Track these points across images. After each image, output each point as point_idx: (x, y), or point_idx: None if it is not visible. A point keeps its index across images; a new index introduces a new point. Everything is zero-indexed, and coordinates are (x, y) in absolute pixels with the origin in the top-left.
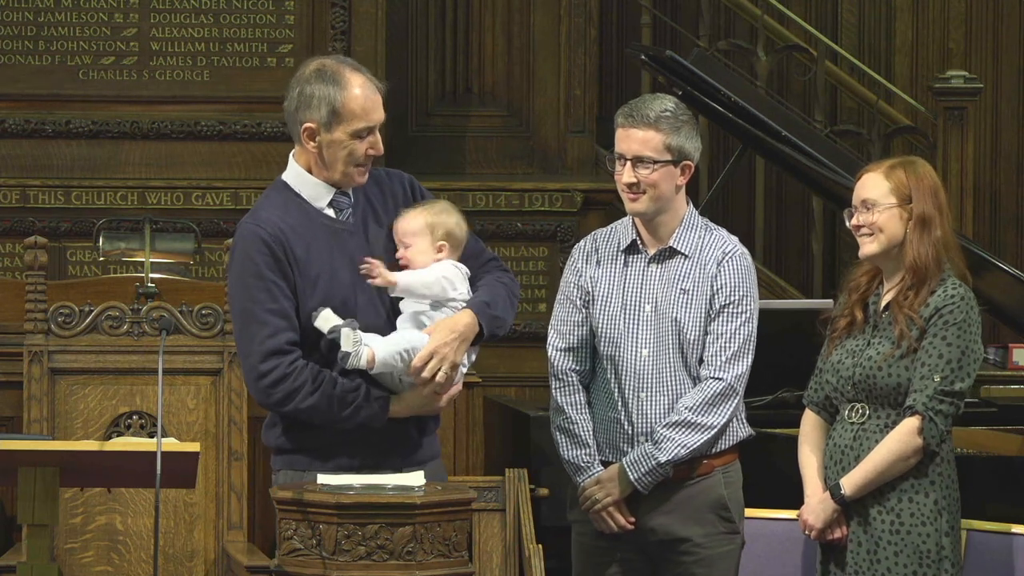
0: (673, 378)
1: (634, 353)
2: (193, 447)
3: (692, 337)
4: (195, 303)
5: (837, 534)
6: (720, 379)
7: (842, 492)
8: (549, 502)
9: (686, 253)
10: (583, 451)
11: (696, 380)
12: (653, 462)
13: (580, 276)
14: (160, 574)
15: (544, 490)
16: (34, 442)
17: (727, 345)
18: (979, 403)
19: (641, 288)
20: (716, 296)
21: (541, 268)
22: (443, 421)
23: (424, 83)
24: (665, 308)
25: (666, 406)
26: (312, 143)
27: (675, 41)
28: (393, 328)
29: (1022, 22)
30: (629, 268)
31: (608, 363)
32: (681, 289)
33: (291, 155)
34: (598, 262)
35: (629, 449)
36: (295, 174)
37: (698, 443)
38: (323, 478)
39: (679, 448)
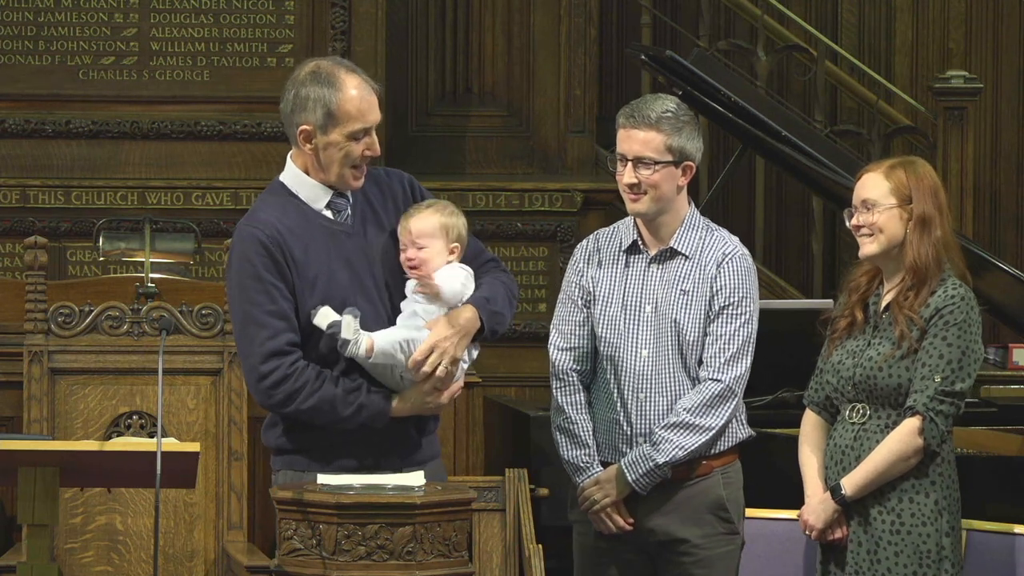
0: (672, 379)
1: (634, 354)
2: (193, 447)
3: (691, 338)
4: (195, 303)
5: (838, 534)
6: (719, 380)
7: (843, 492)
8: (549, 502)
9: (687, 254)
10: (583, 451)
11: (695, 381)
12: (651, 463)
13: (581, 276)
14: (160, 574)
15: (544, 490)
16: (34, 442)
17: (726, 346)
18: (979, 403)
19: (642, 289)
20: (716, 297)
21: (541, 268)
22: (443, 421)
23: (424, 83)
24: (665, 309)
25: (665, 407)
26: (308, 145)
27: (675, 41)
28: None
29: (1022, 22)
30: (630, 268)
31: (608, 363)
32: (681, 290)
33: (288, 156)
34: (599, 262)
35: (628, 450)
36: (292, 175)
37: (696, 445)
38: (323, 478)
39: (677, 450)
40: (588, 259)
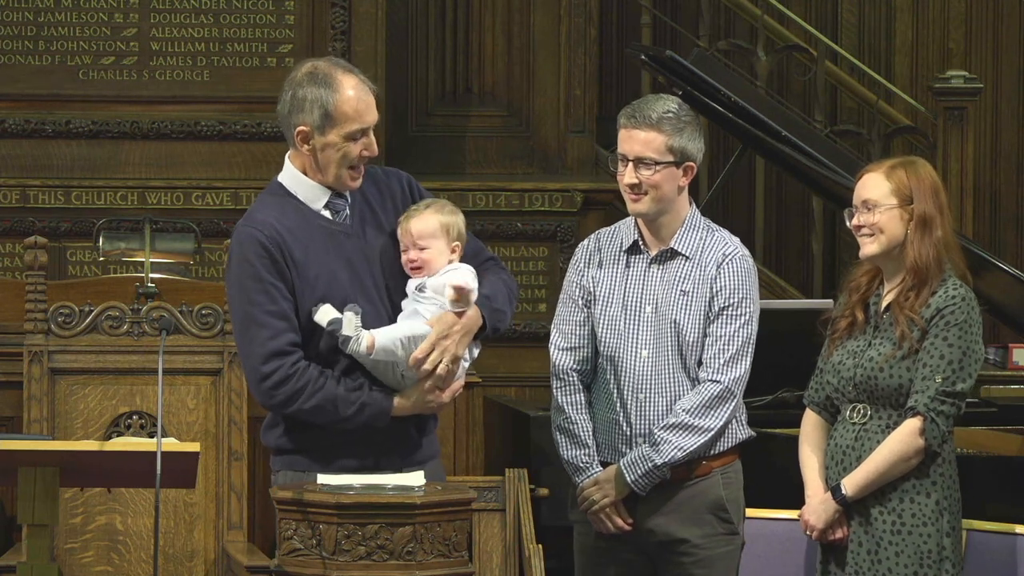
0: (672, 380)
1: (634, 354)
2: (193, 447)
3: (691, 339)
4: (195, 303)
5: (838, 534)
6: (718, 382)
7: (844, 493)
8: (549, 502)
9: (687, 254)
10: (582, 451)
11: (695, 382)
12: (650, 464)
13: (582, 276)
14: (160, 574)
15: (544, 490)
16: (34, 442)
17: (726, 347)
18: (979, 403)
19: (642, 289)
20: (715, 298)
21: (541, 268)
22: (443, 421)
23: (424, 83)
24: (665, 309)
25: (665, 407)
26: (306, 146)
27: (675, 41)
28: None
29: (1022, 22)
30: (631, 269)
31: (608, 363)
32: (681, 290)
33: (286, 157)
34: (600, 262)
35: (627, 450)
36: (291, 176)
37: (695, 446)
38: (323, 478)
39: (676, 451)
40: (589, 259)
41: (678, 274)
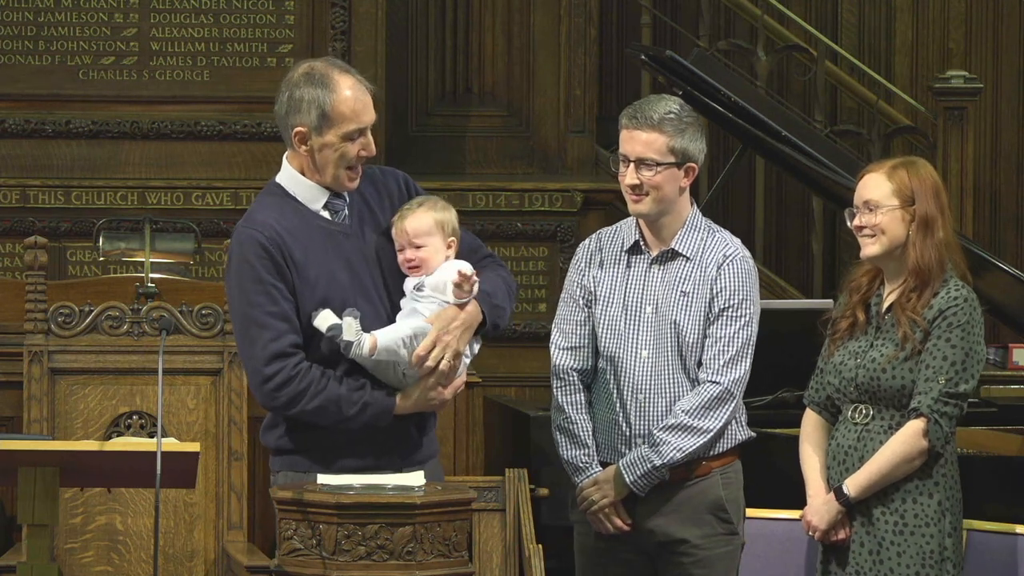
0: (672, 380)
1: (634, 354)
2: (193, 447)
3: (691, 340)
4: (195, 303)
5: (841, 535)
6: (717, 383)
7: (847, 494)
8: (549, 502)
9: (687, 255)
10: (582, 451)
11: (695, 383)
12: (649, 465)
13: (583, 275)
14: (160, 574)
15: (544, 490)
16: (34, 442)
17: (725, 348)
18: (979, 403)
19: (643, 289)
20: (715, 299)
21: (541, 268)
22: (443, 421)
23: (424, 83)
24: (665, 310)
25: (664, 408)
26: (304, 147)
27: (675, 41)
28: None
29: (1022, 22)
30: (631, 269)
31: (608, 364)
32: (681, 291)
33: (284, 158)
34: (601, 262)
35: (627, 450)
36: (289, 177)
37: (694, 447)
38: (323, 478)
39: (675, 452)
40: (590, 259)
41: (678, 275)
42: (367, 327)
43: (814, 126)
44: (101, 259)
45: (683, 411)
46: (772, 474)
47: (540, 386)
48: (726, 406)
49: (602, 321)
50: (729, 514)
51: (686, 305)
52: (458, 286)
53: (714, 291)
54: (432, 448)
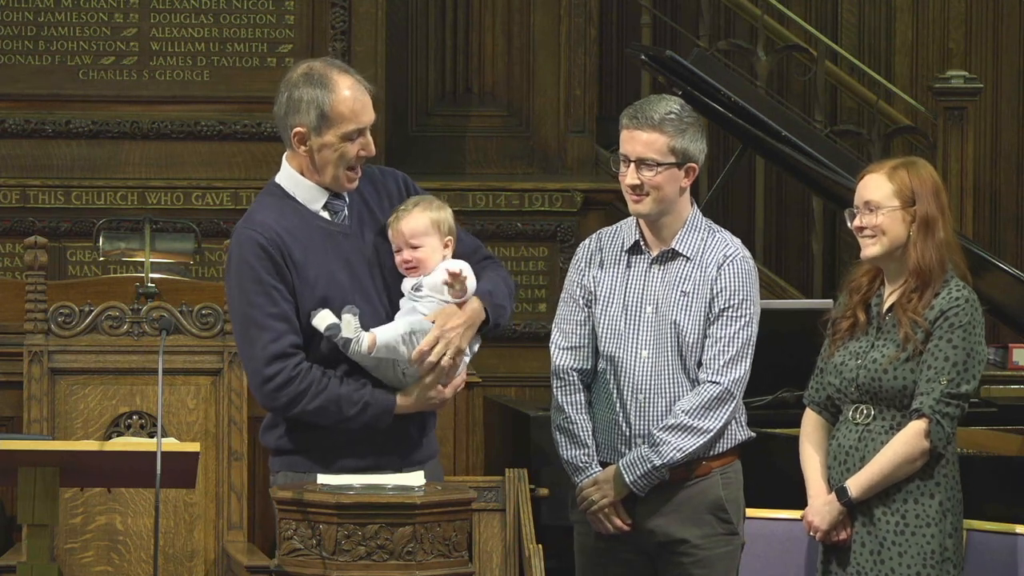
0: (672, 380)
1: (634, 354)
2: (193, 447)
3: (691, 340)
4: (195, 303)
5: (842, 535)
6: (717, 383)
7: (849, 495)
8: (549, 502)
9: (688, 255)
10: (582, 451)
11: (695, 383)
12: (649, 465)
13: (583, 275)
14: (160, 574)
15: (544, 490)
16: (34, 442)
17: (725, 349)
18: (979, 403)
19: (643, 289)
20: (715, 299)
21: (541, 268)
22: (443, 421)
23: (424, 83)
24: (665, 310)
25: (664, 408)
26: (303, 147)
27: (675, 41)
28: None
29: (1022, 22)
30: (632, 269)
31: (608, 364)
32: (681, 291)
33: (283, 158)
34: (601, 262)
35: (627, 450)
36: (288, 177)
37: (694, 447)
38: (323, 478)
39: (675, 452)
40: (590, 259)
41: (679, 275)
42: (366, 327)
43: (814, 126)
44: (101, 259)
45: (683, 411)
46: (772, 474)
47: (540, 386)
48: (726, 406)
49: (602, 321)
50: (729, 514)
51: (686, 305)
52: (449, 286)
53: (714, 291)
54: (432, 448)
